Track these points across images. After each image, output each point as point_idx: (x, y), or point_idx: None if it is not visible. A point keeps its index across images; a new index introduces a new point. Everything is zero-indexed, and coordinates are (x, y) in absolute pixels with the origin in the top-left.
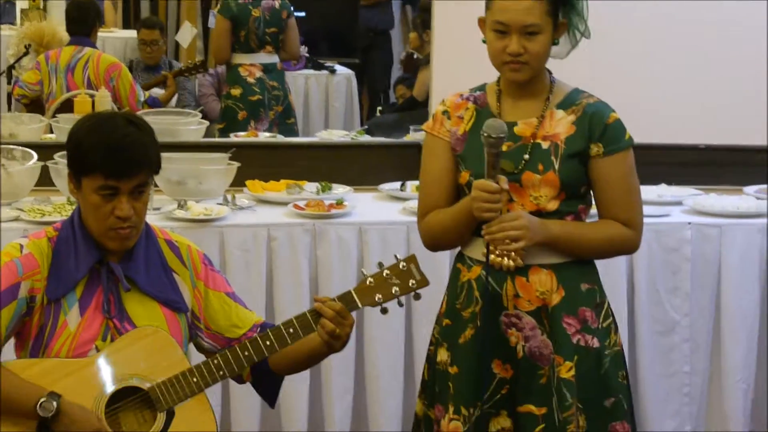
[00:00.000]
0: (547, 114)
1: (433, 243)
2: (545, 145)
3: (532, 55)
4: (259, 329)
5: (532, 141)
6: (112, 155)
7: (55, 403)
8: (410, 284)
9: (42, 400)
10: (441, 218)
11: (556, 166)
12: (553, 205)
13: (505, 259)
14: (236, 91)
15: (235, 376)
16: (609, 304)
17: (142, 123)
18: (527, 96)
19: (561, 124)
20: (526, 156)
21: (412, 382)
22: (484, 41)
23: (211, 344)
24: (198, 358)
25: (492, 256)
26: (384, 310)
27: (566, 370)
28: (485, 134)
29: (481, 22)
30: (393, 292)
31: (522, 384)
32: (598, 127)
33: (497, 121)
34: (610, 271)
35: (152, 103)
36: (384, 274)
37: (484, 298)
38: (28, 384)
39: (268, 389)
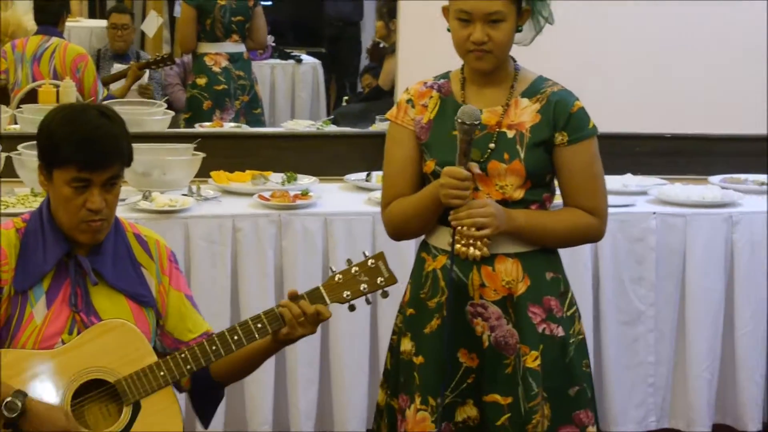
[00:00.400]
0: (512, 102)
1: (396, 232)
2: (510, 133)
3: (496, 44)
4: (207, 338)
5: (497, 130)
6: (85, 147)
7: (19, 403)
8: (378, 282)
9: (7, 399)
10: (404, 206)
11: (522, 155)
12: (518, 194)
13: (471, 248)
14: (201, 81)
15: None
16: (572, 293)
17: (114, 115)
18: (491, 84)
19: (526, 113)
20: (492, 145)
21: (377, 373)
22: (448, 30)
23: (159, 341)
24: None
25: (458, 246)
26: (352, 307)
27: (532, 360)
28: (459, 121)
29: (445, 11)
30: (361, 289)
31: (488, 373)
32: (562, 115)
33: (471, 107)
34: (575, 261)
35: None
36: (352, 271)
37: (449, 288)
38: None
39: (206, 403)
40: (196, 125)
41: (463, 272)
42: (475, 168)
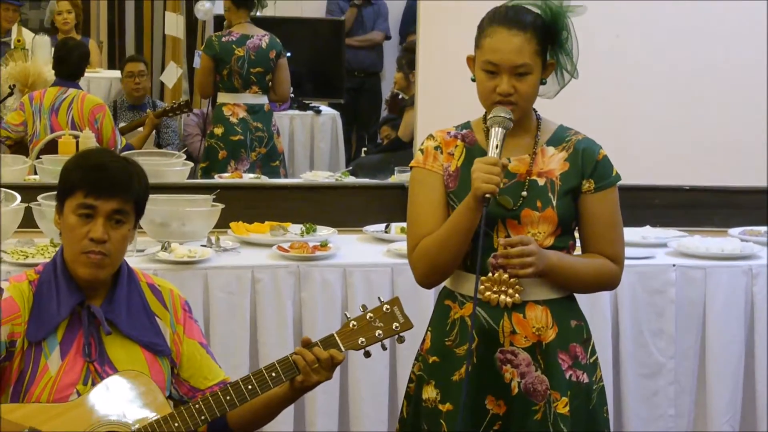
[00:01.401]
0: (538, 151)
1: (427, 271)
2: (541, 181)
3: (522, 96)
4: (221, 387)
5: (527, 178)
6: (93, 173)
7: None
8: (394, 327)
9: None
10: (437, 234)
11: (554, 203)
12: (549, 242)
13: (502, 295)
14: (219, 130)
15: (216, 419)
16: (594, 340)
17: (134, 162)
18: (516, 134)
19: (553, 161)
20: (524, 193)
21: (396, 422)
22: (473, 79)
23: (175, 389)
24: None
25: (488, 293)
26: (367, 354)
27: (562, 406)
28: (494, 116)
29: (470, 61)
30: (376, 335)
31: (516, 420)
32: (589, 163)
33: (503, 107)
34: (595, 312)
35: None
36: (367, 317)
37: (480, 335)
38: (7, 422)
39: None
40: (215, 176)
41: (494, 319)
42: (506, 160)
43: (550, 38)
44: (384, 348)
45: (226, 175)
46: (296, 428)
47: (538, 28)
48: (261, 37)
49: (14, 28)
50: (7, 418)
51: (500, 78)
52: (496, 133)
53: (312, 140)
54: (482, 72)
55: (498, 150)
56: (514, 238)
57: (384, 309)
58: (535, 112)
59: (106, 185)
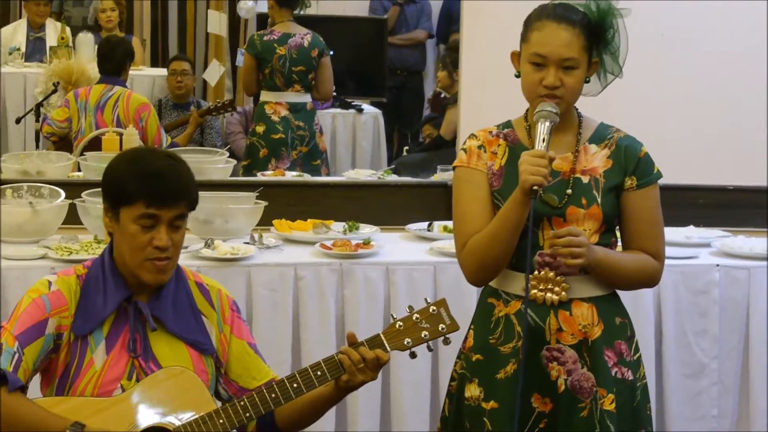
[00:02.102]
0: (581, 149)
1: (479, 265)
2: (585, 179)
3: (568, 89)
4: (267, 385)
5: (571, 175)
6: (153, 182)
7: (80, 428)
8: (440, 329)
9: (68, 428)
10: (486, 230)
11: (599, 200)
12: (594, 239)
13: (549, 293)
14: (260, 129)
15: (260, 416)
16: (637, 338)
17: (180, 158)
18: (559, 131)
19: (596, 158)
20: (569, 191)
21: (438, 421)
22: (516, 75)
23: (224, 390)
24: None
25: (535, 291)
26: (413, 355)
27: (609, 402)
28: (541, 110)
29: (515, 56)
30: (422, 336)
31: (562, 418)
32: (632, 160)
33: (549, 102)
34: (638, 312)
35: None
36: (413, 318)
37: (527, 333)
38: (53, 416)
39: None
40: (258, 174)
41: (540, 317)
42: (553, 153)
43: (596, 37)
44: (430, 349)
45: (268, 173)
46: (338, 428)
47: (585, 25)
48: (303, 36)
49: (56, 25)
50: (52, 412)
51: (547, 71)
52: (543, 126)
53: (354, 139)
54: (529, 65)
55: (545, 143)
56: (563, 230)
57: (431, 310)
58: (577, 110)
59: (168, 195)
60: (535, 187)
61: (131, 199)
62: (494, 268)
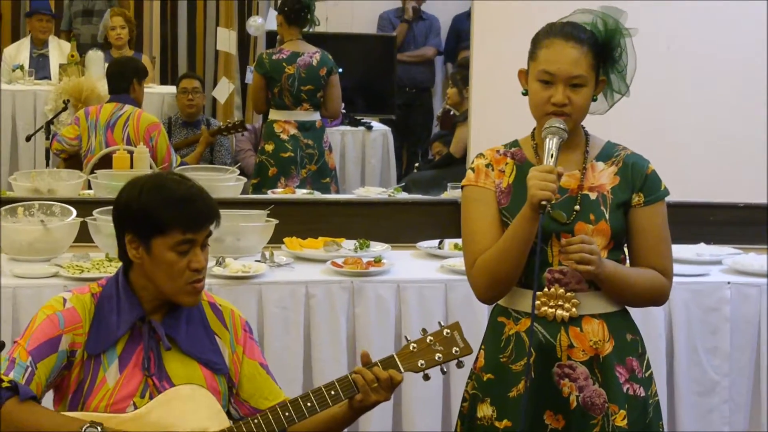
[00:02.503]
0: (588, 166)
1: (490, 283)
2: (593, 195)
3: (576, 107)
4: (281, 404)
5: (579, 192)
6: (187, 208)
7: (99, 428)
8: (453, 351)
9: (85, 426)
10: (495, 247)
11: (607, 216)
12: (603, 254)
13: (559, 310)
14: (269, 147)
15: None
16: (648, 355)
17: (190, 179)
18: (566, 149)
19: (604, 175)
20: (577, 207)
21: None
22: (524, 93)
23: (235, 410)
24: None
25: (545, 308)
26: (426, 377)
27: (621, 419)
28: (549, 126)
29: (522, 74)
30: (436, 358)
31: None
32: (639, 177)
33: (556, 118)
34: (649, 329)
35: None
36: (427, 341)
37: (537, 350)
38: (69, 418)
39: None
40: (269, 192)
41: (551, 334)
42: (561, 169)
43: (603, 55)
44: (443, 372)
45: (279, 190)
46: None
47: (593, 44)
48: (312, 55)
49: (60, 43)
50: (69, 416)
51: (555, 88)
52: (552, 142)
53: (363, 156)
54: (537, 82)
55: (554, 159)
56: (576, 237)
57: (444, 333)
58: (584, 128)
59: (202, 218)
60: (544, 202)
61: (166, 228)
62: (505, 285)
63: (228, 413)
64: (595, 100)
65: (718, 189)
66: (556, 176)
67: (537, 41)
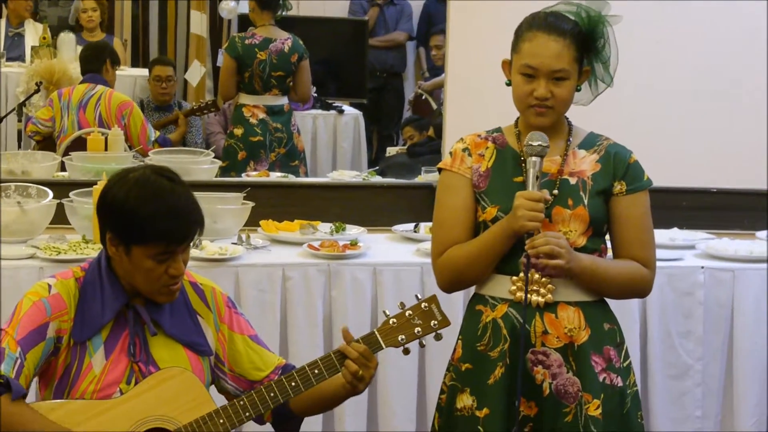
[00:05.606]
0: (570, 152)
1: (452, 280)
2: (573, 180)
3: (558, 101)
4: (281, 371)
5: (558, 177)
6: (172, 224)
7: None
8: (432, 324)
9: None
10: (467, 249)
11: (586, 201)
12: (581, 241)
13: (534, 295)
14: (238, 131)
15: (259, 416)
16: (627, 345)
17: (176, 176)
18: (549, 137)
19: (585, 162)
20: (555, 191)
21: (424, 422)
22: (507, 84)
23: (234, 387)
24: (219, 400)
25: (520, 294)
26: (406, 351)
27: (594, 408)
28: (530, 144)
29: (506, 65)
30: (416, 332)
31: (547, 422)
32: (621, 165)
33: (538, 132)
34: (624, 314)
35: (162, 142)
36: (406, 315)
37: (511, 336)
38: (54, 425)
39: (288, 429)
40: (243, 175)
41: (526, 319)
42: (546, 193)
43: (587, 46)
44: (422, 345)
45: (253, 173)
46: (325, 428)
47: (576, 35)
48: (284, 41)
49: (35, 25)
50: (52, 421)
51: (537, 82)
52: (534, 164)
53: (335, 140)
54: (519, 76)
55: (539, 182)
56: (539, 236)
57: (422, 306)
58: (567, 119)
59: (186, 233)
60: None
61: (151, 239)
62: (469, 284)
63: (225, 391)
64: (578, 90)
65: (691, 174)
66: (544, 204)
67: (520, 33)
